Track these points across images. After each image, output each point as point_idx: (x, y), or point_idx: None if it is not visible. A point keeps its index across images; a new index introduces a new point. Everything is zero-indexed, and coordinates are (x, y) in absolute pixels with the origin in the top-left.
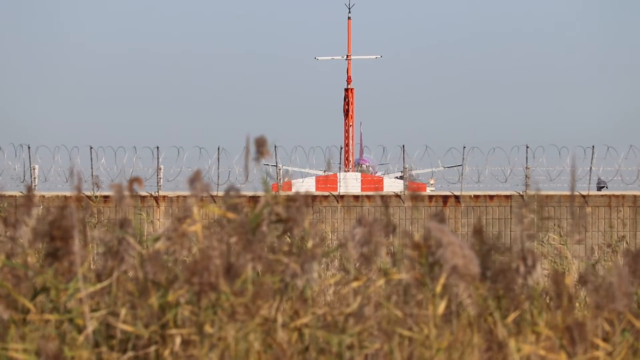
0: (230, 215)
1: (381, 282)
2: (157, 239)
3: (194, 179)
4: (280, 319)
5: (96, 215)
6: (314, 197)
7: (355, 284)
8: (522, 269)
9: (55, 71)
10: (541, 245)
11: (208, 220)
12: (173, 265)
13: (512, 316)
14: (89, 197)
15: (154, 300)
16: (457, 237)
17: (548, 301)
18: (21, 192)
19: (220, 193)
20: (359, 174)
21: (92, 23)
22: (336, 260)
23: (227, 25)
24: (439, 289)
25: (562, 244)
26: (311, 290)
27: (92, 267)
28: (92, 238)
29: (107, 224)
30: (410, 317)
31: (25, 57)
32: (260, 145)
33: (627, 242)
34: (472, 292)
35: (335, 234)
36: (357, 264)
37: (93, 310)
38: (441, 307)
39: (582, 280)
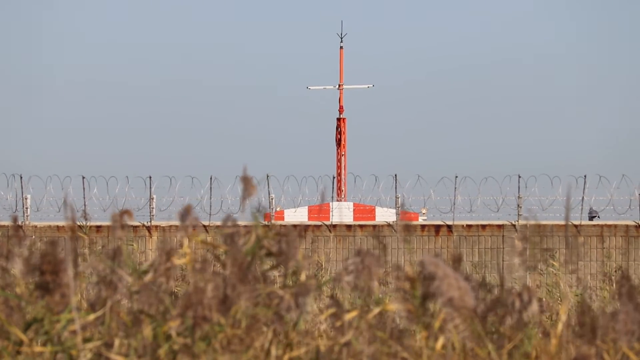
0: (220, 246)
1: (375, 312)
2: (145, 272)
3: (185, 213)
4: (273, 351)
5: (89, 246)
6: (307, 227)
7: (349, 316)
8: (517, 304)
9: (47, 102)
10: (540, 274)
11: (200, 251)
12: (164, 296)
13: (507, 347)
14: (80, 227)
15: (147, 331)
16: (451, 268)
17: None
18: (13, 222)
19: (213, 223)
20: (351, 204)
21: (83, 54)
22: (329, 291)
23: (219, 55)
24: (437, 324)
25: (556, 274)
26: (305, 323)
27: (84, 297)
28: (85, 268)
29: (100, 253)
30: (405, 349)
31: (16, 87)
32: (247, 183)
33: (622, 272)
34: (468, 324)
35: (330, 264)
36: (351, 295)
37: (86, 341)
38: (439, 343)
39: (580, 310)
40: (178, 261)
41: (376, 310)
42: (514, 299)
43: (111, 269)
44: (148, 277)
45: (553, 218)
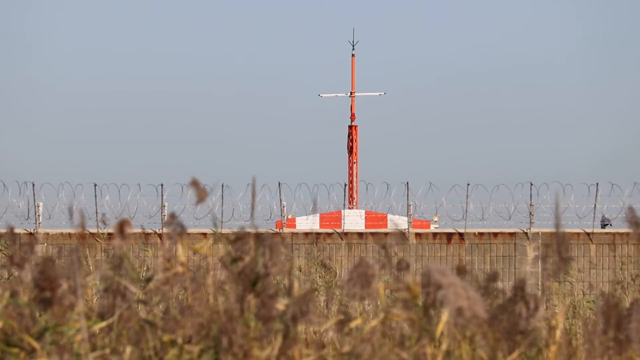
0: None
1: (377, 321)
2: (149, 280)
3: (170, 221)
4: None
5: (101, 253)
6: (318, 235)
7: (353, 323)
8: (524, 312)
9: (59, 110)
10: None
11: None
12: (169, 305)
13: (513, 355)
14: (94, 234)
15: (154, 340)
16: (458, 277)
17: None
18: (25, 230)
19: (225, 230)
20: (362, 211)
21: (98, 63)
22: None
23: (230, 64)
24: (438, 333)
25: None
26: (306, 333)
27: (93, 304)
28: (94, 276)
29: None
30: (412, 355)
31: (28, 95)
32: (197, 188)
33: (633, 280)
34: (482, 335)
35: (342, 271)
36: (356, 304)
37: (94, 349)
38: (443, 346)
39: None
40: (178, 269)
41: (380, 318)
42: (521, 308)
43: (117, 278)
44: (151, 284)
45: (565, 226)
